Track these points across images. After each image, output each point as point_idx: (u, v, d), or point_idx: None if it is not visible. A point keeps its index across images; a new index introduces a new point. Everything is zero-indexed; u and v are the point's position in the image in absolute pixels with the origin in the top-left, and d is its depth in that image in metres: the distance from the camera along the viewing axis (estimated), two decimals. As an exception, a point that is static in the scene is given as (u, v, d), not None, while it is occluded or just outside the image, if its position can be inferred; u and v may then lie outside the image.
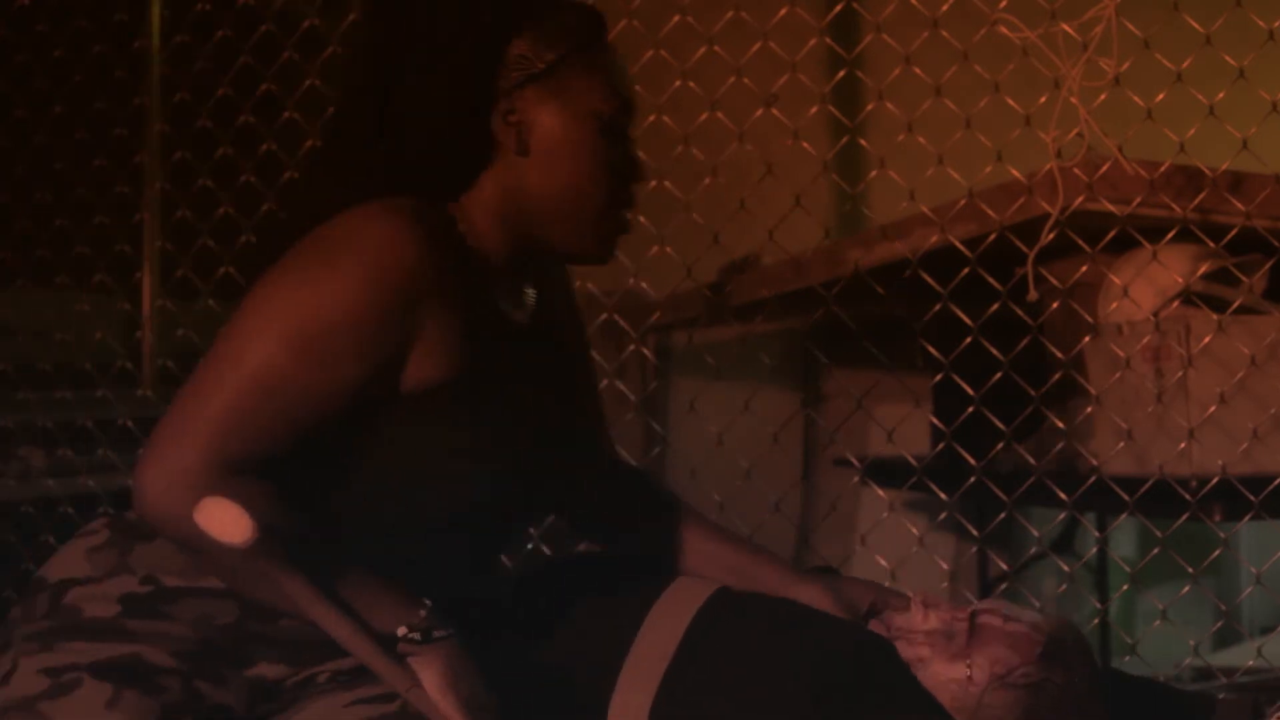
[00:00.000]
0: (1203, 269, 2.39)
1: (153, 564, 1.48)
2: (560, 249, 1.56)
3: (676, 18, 2.62)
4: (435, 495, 1.47)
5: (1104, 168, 2.34)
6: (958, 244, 2.44)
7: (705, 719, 1.50)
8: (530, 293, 1.60)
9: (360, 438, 1.45)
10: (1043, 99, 2.35)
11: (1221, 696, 1.81)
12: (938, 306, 2.46)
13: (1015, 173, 2.41)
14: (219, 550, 1.34)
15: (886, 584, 2.39)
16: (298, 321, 1.39)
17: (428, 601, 1.43)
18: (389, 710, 1.45)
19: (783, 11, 2.60)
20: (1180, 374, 2.37)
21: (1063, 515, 2.75)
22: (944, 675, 1.54)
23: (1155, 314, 2.40)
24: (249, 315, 1.41)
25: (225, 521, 1.32)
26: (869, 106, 2.66)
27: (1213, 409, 2.34)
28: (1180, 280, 2.40)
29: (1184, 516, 2.30)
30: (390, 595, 1.42)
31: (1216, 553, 2.38)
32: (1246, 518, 2.34)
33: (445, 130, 1.49)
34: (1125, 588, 3.42)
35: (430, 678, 1.40)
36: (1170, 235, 2.36)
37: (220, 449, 1.36)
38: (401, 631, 1.40)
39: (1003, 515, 2.49)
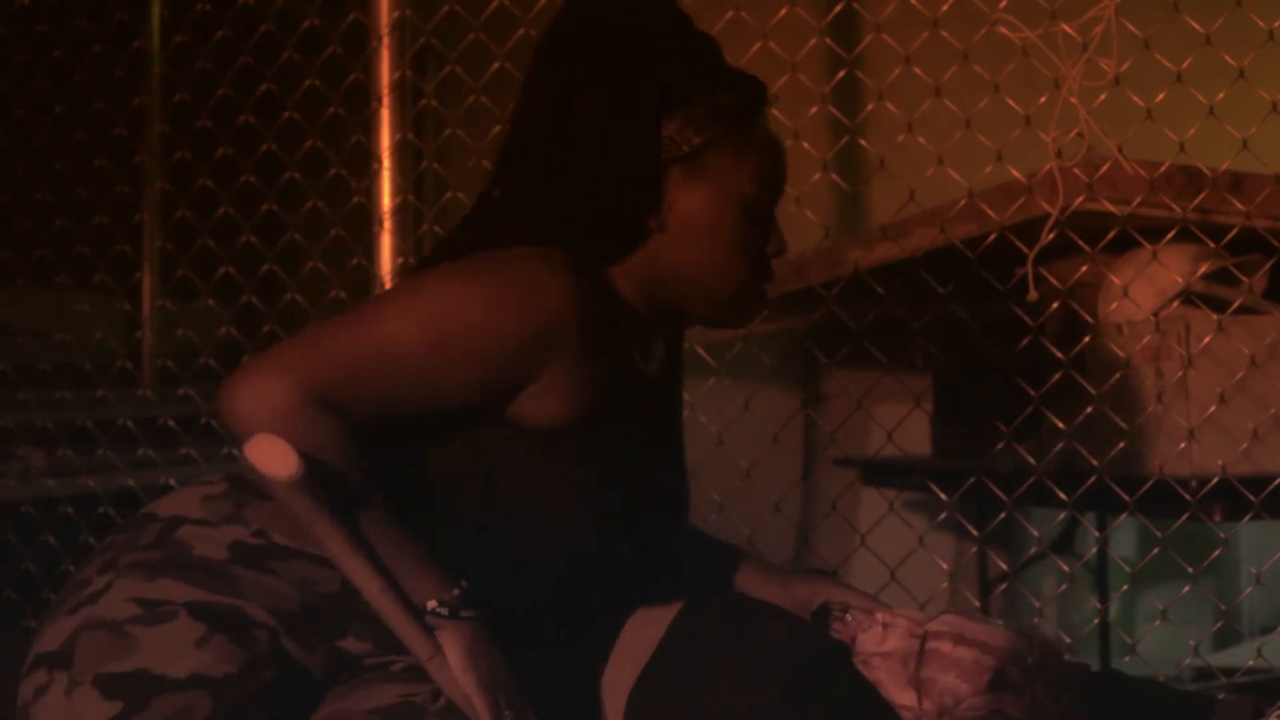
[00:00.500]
0: (1203, 269, 2.39)
1: (266, 521, 1.50)
2: (697, 317, 1.61)
3: (676, 18, 2.62)
4: (543, 527, 1.49)
5: (1104, 168, 2.34)
6: (958, 244, 2.44)
7: (680, 709, 1.50)
8: (660, 348, 1.64)
9: (469, 461, 1.48)
10: (1043, 99, 2.35)
11: (1221, 697, 1.81)
12: (938, 306, 2.46)
13: (1015, 173, 2.41)
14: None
15: (887, 584, 2.40)
16: (441, 317, 1.43)
17: (464, 581, 1.45)
18: (431, 707, 1.46)
19: (783, 11, 2.60)
20: (1180, 374, 2.37)
21: (1063, 515, 2.75)
22: (896, 702, 1.54)
23: (1155, 314, 2.40)
24: (401, 293, 1.48)
25: (272, 455, 1.35)
26: (869, 106, 2.66)
27: (1213, 409, 2.34)
28: (1180, 280, 2.40)
29: (1184, 516, 2.30)
30: (430, 566, 1.45)
31: (1216, 553, 2.38)
32: (1246, 518, 2.33)
33: (608, 207, 1.52)
34: (1125, 588, 3.42)
35: (453, 653, 1.43)
36: (1170, 235, 2.36)
37: (318, 385, 1.39)
38: (431, 604, 1.43)
39: (1003, 515, 2.49)
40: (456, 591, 1.44)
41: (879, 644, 1.58)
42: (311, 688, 1.49)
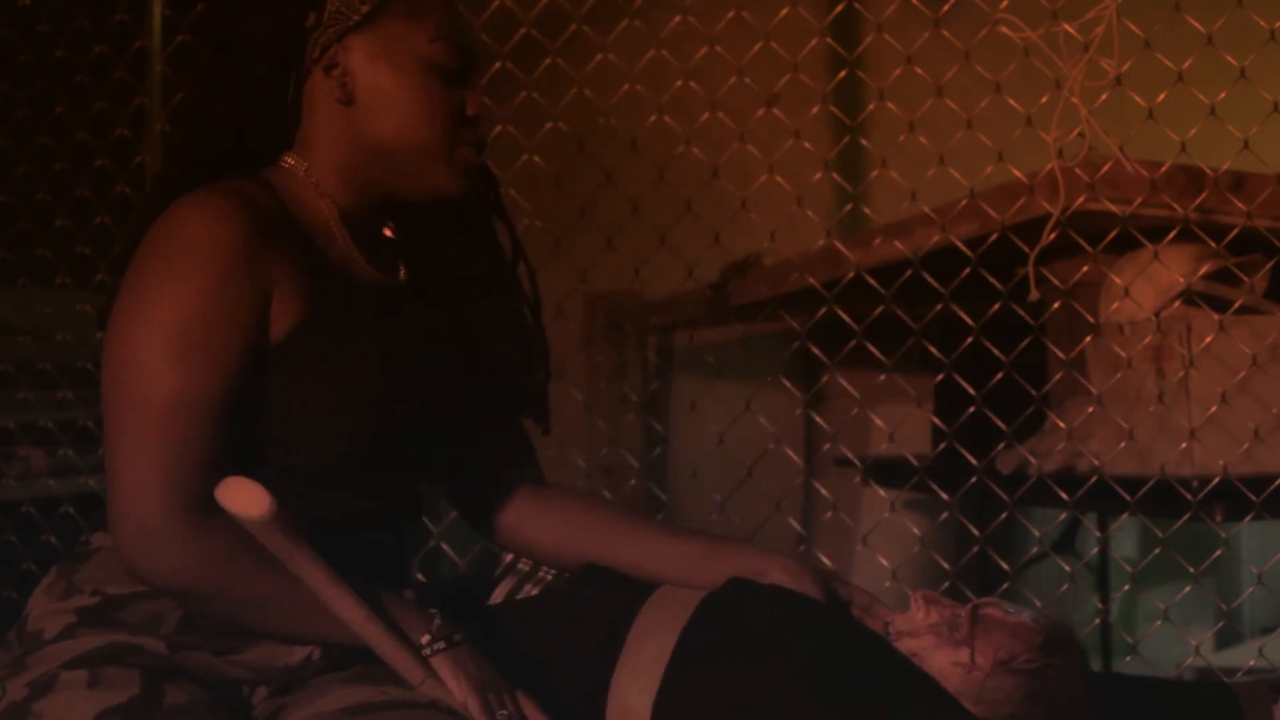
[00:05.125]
0: (1204, 269, 2.39)
1: (96, 579, 1.51)
2: (409, 192, 1.57)
3: (677, 18, 2.62)
4: (302, 442, 1.48)
5: (1105, 168, 2.34)
6: (959, 244, 2.44)
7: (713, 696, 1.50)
8: (389, 238, 1.62)
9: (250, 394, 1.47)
10: (1044, 99, 2.35)
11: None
12: (939, 306, 2.46)
13: (1016, 173, 2.41)
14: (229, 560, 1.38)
15: (887, 583, 2.40)
16: (173, 336, 1.42)
17: (434, 611, 1.46)
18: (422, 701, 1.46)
19: (784, 11, 2.60)
20: (1182, 374, 2.37)
21: (1064, 515, 2.74)
22: (948, 660, 1.56)
23: (1157, 314, 2.40)
24: (128, 347, 1.44)
25: (242, 498, 1.35)
26: (870, 106, 2.65)
27: (1214, 409, 2.34)
28: (1182, 280, 2.40)
29: (1185, 516, 2.30)
30: (402, 602, 1.46)
31: (1218, 553, 2.38)
32: (1248, 518, 2.34)
33: (253, 93, 1.52)
34: (1126, 588, 3.42)
35: (445, 672, 1.43)
36: (1171, 235, 2.36)
37: (177, 488, 1.39)
38: (424, 639, 1.44)
39: (1004, 515, 2.49)
40: (437, 622, 1.45)
41: (924, 618, 1.59)
42: (233, 692, 1.50)
